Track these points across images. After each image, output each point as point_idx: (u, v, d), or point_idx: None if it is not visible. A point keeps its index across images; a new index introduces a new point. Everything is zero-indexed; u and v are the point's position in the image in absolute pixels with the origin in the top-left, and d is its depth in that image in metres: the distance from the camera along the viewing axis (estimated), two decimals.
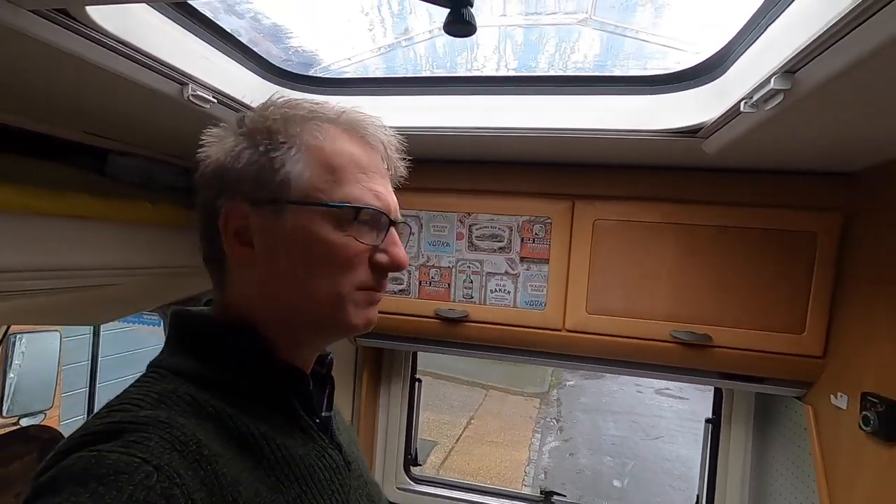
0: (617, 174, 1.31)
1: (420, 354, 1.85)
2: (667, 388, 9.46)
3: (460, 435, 7.14)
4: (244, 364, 0.58)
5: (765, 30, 0.74)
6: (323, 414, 0.66)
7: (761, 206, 1.22)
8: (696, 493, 1.64)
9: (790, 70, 0.64)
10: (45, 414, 2.41)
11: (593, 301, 1.33)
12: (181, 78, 0.81)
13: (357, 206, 0.57)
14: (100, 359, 4.80)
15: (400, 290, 1.46)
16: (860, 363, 1.10)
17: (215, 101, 0.89)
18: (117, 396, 0.55)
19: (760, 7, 0.75)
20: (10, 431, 1.71)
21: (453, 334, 1.46)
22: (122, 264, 1.39)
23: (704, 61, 0.94)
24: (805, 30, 0.60)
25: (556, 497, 1.74)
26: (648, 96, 1.05)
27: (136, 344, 5.47)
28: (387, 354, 1.82)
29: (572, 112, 1.09)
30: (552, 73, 1.12)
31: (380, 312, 1.45)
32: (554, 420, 8.06)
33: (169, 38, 0.79)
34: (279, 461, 0.55)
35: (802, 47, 0.59)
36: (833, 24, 0.55)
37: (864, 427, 1.04)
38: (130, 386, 0.56)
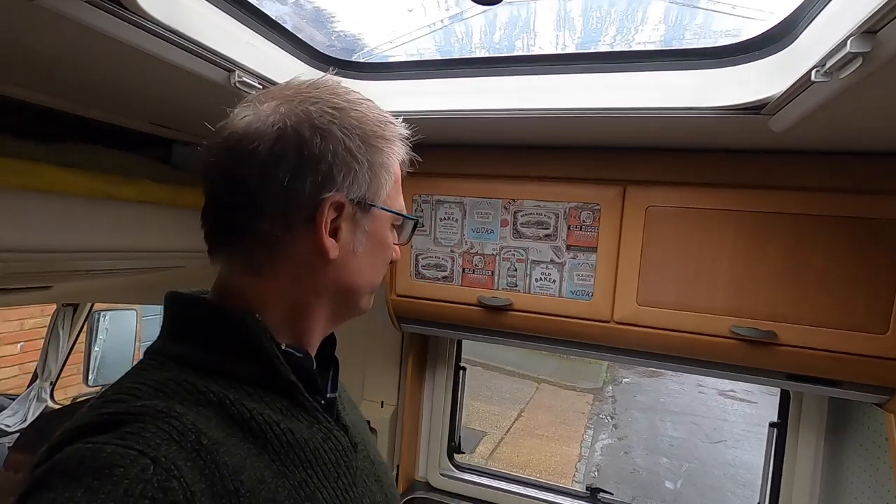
0: (672, 157, 1.23)
1: (469, 344, 1.84)
2: (731, 390, 8.91)
3: (510, 427, 7.09)
4: (245, 348, 0.57)
5: None
6: (328, 395, 0.65)
7: (836, 192, 1.10)
8: (758, 501, 1.53)
9: (870, 30, 0.56)
10: None
11: (644, 292, 1.27)
12: (227, 65, 0.84)
13: (415, 218, 0.73)
14: None
15: (443, 277, 1.46)
16: None
17: (261, 87, 0.91)
18: (113, 385, 0.54)
19: None
20: (86, 399, 1.88)
21: (497, 323, 1.43)
22: (185, 247, 1.48)
23: (771, 28, 0.85)
24: None
25: (602, 494, 1.69)
26: (708, 70, 0.97)
27: None
28: (432, 341, 1.83)
29: (624, 90, 1.03)
30: (611, 48, 1.06)
31: (423, 299, 1.48)
32: (608, 417, 7.82)
33: (215, 25, 0.82)
34: (283, 445, 0.54)
35: (884, 2, 0.51)
36: None
37: None
38: (127, 374, 0.55)
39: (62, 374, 2.67)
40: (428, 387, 1.86)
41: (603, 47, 1.09)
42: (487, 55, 1.14)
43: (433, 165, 1.45)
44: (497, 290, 1.41)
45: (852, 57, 0.60)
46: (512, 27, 1.13)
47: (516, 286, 1.39)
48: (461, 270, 1.44)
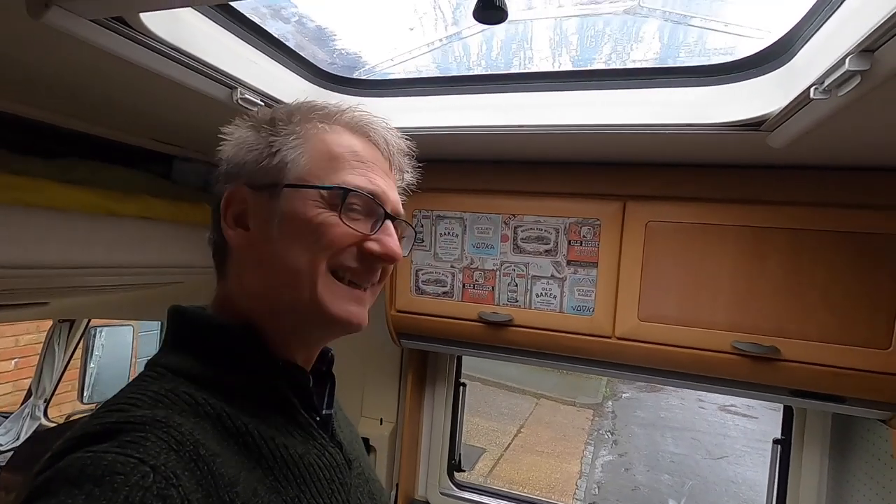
0: (672, 173, 1.23)
1: (468, 359, 1.83)
2: (732, 405, 8.84)
3: (510, 443, 7.01)
4: (242, 362, 0.57)
5: (837, 7, 0.67)
6: (323, 412, 0.65)
7: (836, 206, 1.11)
8: None
9: (868, 49, 0.57)
10: None
11: (646, 307, 1.26)
12: (230, 82, 0.85)
13: (346, 187, 0.59)
14: None
15: (443, 293, 1.45)
16: None
17: (262, 104, 0.92)
18: (114, 396, 0.54)
19: None
20: (83, 416, 1.85)
21: (497, 338, 1.42)
22: (185, 262, 1.48)
23: (769, 47, 0.86)
24: (885, 4, 0.53)
25: None
26: (707, 88, 0.98)
27: None
28: (431, 358, 1.81)
29: (624, 107, 1.04)
30: (607, 66, 1.07)
31: (422, 314, 1.47)
32: (608, 433, 7.74)
33: (218, 43, 0.83)
34: (278, 461, 0.54)
35: (882, 22, 0.52)
36: None
37: None
38: (128, 385, 0.56)
39: (57, 391, 2.64)
40: (428, 403, 1.84)
41: (598, 65, 1.10)
42: (487, 73, 1.15)
43: (433, 181, 1.44)
44: (498, 305, 1.40)
45: (851, 75, 0.60)
46: (509, 45, 1.14)
47: (517, 301, 1.39)
48: (461, 286, 1.43)
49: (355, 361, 1.81)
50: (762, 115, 0.87)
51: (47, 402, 2.56)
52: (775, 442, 1.49)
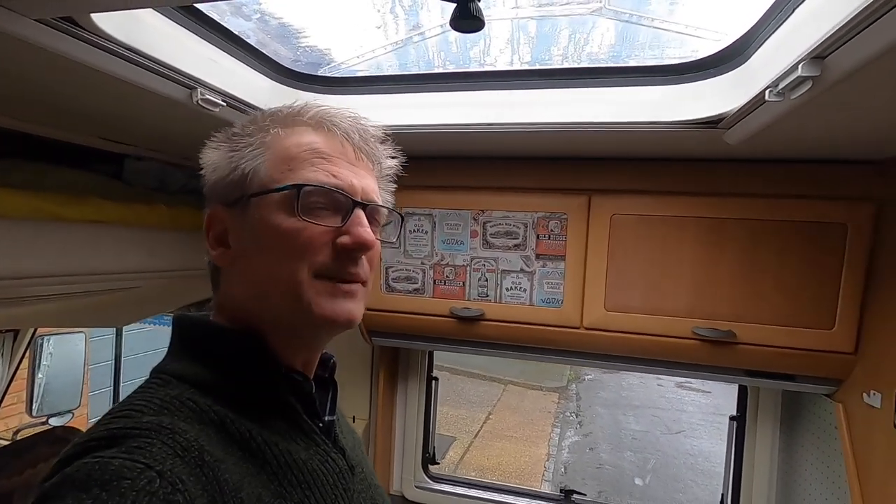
0: (635, 167, 1.27)
1: (436, 351, 1.84)
2: (688, 382, 9.30)
3: (479, 430, 7.13)
4: (245, 369, 0.58)
5: (790, 14, 0.70)
6: (326, 418, 0.66)
7: (787, 198, 1.17)
8: (721, 492, 1.60)
9: (819, 56, 0.60)
10: (73, 413, 2.47)
11: (612, 298, 1.30)
12: (189, 82, 0.81)
13: (299, 184, 0.57)
14: (123, 358, 4.91)
15: (414, 290, 1.45)
16: (895, 360, 1.05)
17: (224, 104, 0.88)
18: (120, 402, 0.55)
19: None
20: (36, 434, 1.75)
21: (469, 333, 1.44)
22: (141, 268, 1.41)
23: (725, 48, 0.90)
24: (834, 13, 0.56)
25: (576, 496, 1.72)
26: (667, 87, 1.02)
27: (157, 343, 5.60)
28: (403, 353, 1.81)
29: (588, 105, 1.06)
30: (567, 65, 1.09)
31: (394, 311, 1.47)
32: (573, 415, 8.00)
33: (176, 42, 0.78)
34: (282, 466, 0.55)
35: (832, 32, 0.55)
36: (865, 7, 0.51)
37: None
38: (134, 392, 0.57)
39: (2, 405, 2.48)
40: (400, 399, 1.84)
41: (560, 64, 1.12)
42: (454, 70, 1.14)
43: (401, 178, 1.44)
44: (469, 300, 1.41)
45: (802, 79, 0.64)
46: (467, 43, 1.13)
47: (487, 296, 1.40)
48: (432, 282, 1.44)
49: None
50: (720, 114, 0.91)
51: None
52: (731, 419, 1.59)
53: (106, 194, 1.23)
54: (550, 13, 0.97)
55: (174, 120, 0.97)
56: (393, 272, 1.47)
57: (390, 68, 1.18)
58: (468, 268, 1.41)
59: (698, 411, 8.08)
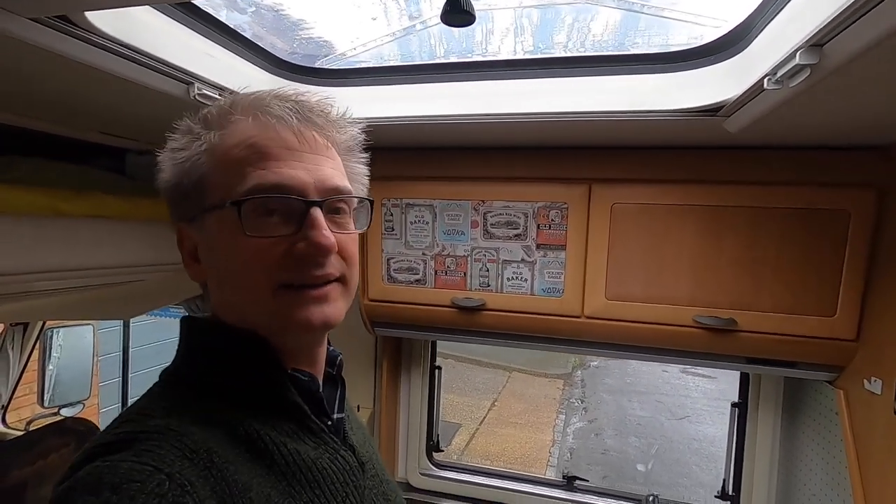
0: (635, 156, 1.27)
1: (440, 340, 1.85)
2: (693, 368, 9.27)
3: (484, 417, 7.19)
4: (252, 371, 0.58)
5: (788, 1, 0.69)
6: (335, 416, 0.65)
7: (788, 185, 1.17)
8: (723, 477, 1.61)
9: (817, 43, 0.60)
10: (84, 404, 2.51)
11: (612, 287, 1.31)
12: (186, 77, 0.81)
13: (237, 200, 0.52)
14: (131, 350, 4.97)
15: (416, 280, 1.46)
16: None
17: (221, 98, 0.88)
18: (129, 406, 0.56)
19: None
20: (47, 425, 1.79)
21: (471, 322, 1.45)
22: (144, 261, 1.42)
23: (724, 36, 0.89)
24: (832, 0, 0.55)
25: (578, 481, 1.74)
26: (667, 74, 1.01)
27: (164, 335, 5.65)
28: (405, 343, 1.83)
29: (588, 94, 1.05)
30: (567, 54, 1.08)
31: (396, 302, 1.48)
32: (578, 401, 8.05)
33: (172, 37, 0.78)
34: (290, 466, 0.55)
35: (830, 19, 0.55)
36: None
37: None
38: (142, 396, 0.57)
39: (14, 396, 2.52)
40: (404, 388, 1.86)
41: (559, 53, 1.11)
42: (452, 61, 1.13)
43: (402, 169, 1.44)
44: (470, 290, 1.42)
45: (801, 68, 0.63)
46: (469, 33, 1.12)
47: (489, 286, 1.41)
48: (434, 273, 1.44)
49: None
50: (720, 102, 0.90)
51: (5, 408, 2.45)
52: (733, 405, 1.59)
53: (108, 189, 1.24)
54: (553, 2, 0.96)
55: (173, 114, 0.97)
56: (394, 263, 1.47)
57: (391, 58, 1.17)
58: (469, 258, 1.41)
59: (703, 397, 8.10)
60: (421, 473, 1.84)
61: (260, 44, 0.98)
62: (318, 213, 0.55)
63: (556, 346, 1.46)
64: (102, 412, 4.51)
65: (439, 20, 0.98)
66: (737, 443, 1.58)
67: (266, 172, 0.53)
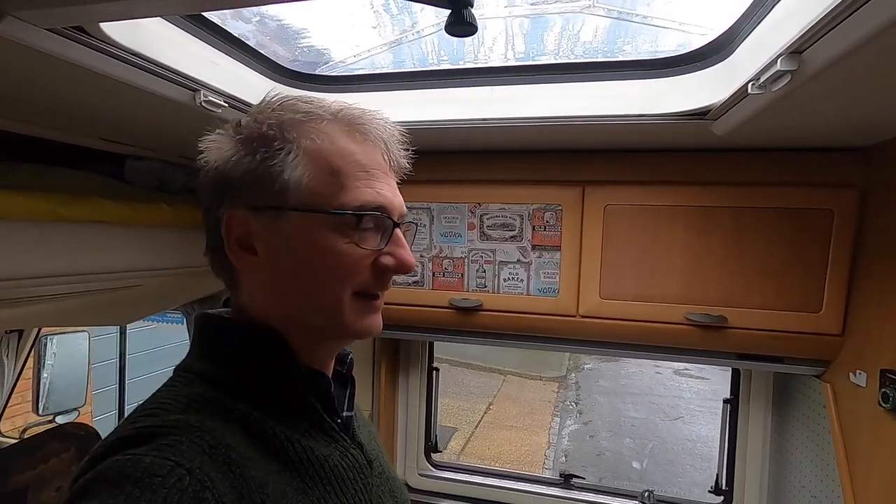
0: (627, 158, 1.30)
1: (437, 342, 1.88)
2: (686, 369, 9.40)
3: (480, 420, 7.21)
4: (267, 368, 0.58)
5: (771, 9, 0.73)
6: (344, 414, 0.67)
7: (775, 185, 1.21)
8: (716, 472, 1.64)
9: (796, 50, 0.63)
10: (79, 411, 2.49)
11: (606, 286, 1.34)
12: (192, 85, 0.83)
13: (359, 213, 0.56)
14: (127, 356, 4.93)
15: (414, 282, 1.49)
16: (879, 340, 1.09)
17: (226, 104, 0.90)
18: (147, 400, 0.56)
19: None
20: (48, 430, 1.78)
21: (468, 323, 1.47)
22: (143, 266, 1.43)
23: (711, 42, 0.93)
24: (811, 9, 0.59)
25: (575, 479, 1.77)
26: (655, 80, 1.05)
27: (160, 341, 5.61)
28: (403, 345, 1.85)
29: (579, 99, 1.09)
30: (558, 60, 1.12)
31: (395, 304, 1.50)
32: (573, 403, 8.08)
33: (179, 46, 0.81)
34: (304, 463, 0.56)
35: (808, 27, 0.58)
36: (838, 3, 0.54)
37: (883, 404, 1.04)
38: (159, 390, 0.58)
39: (8, 404, 2.50)
40: (402, 389, 1.88)
41: (551, 59, 1.14)
42: (449, 67, 1.17)
43: None
44: (467, 291, 1.45)
45: (781, 73, 0.67)
46: (462, 42, 1.15)
47: (486, 287, 1.44)
48: (431, 274, 1.47)
49: None
50: (707, 106, 0.94)
51: None
52: (725, 401, 1.63)
53: (107, 194, 1.25)
54: (543, 11, 0.99)
55: (177, 122, 1.00)
56: None
57: (386, 66, 1.20)
58: (466, 260, 1.44)
59: (696, 398, 8.18)
60: (419, 474, 1.86)
61: (263, 52, 1.01)
62: (400, 233, 0.61)
63: (552, 345, 1.49)
64: (96, 419, 4.47)
65: (433, 29, 1.02)
66: (729, 438, 1.62)
67: (374, 192, 0.58)
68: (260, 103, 0.61)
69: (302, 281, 0.58)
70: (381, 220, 0.59)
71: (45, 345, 2.52)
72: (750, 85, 0.74)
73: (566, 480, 1.77)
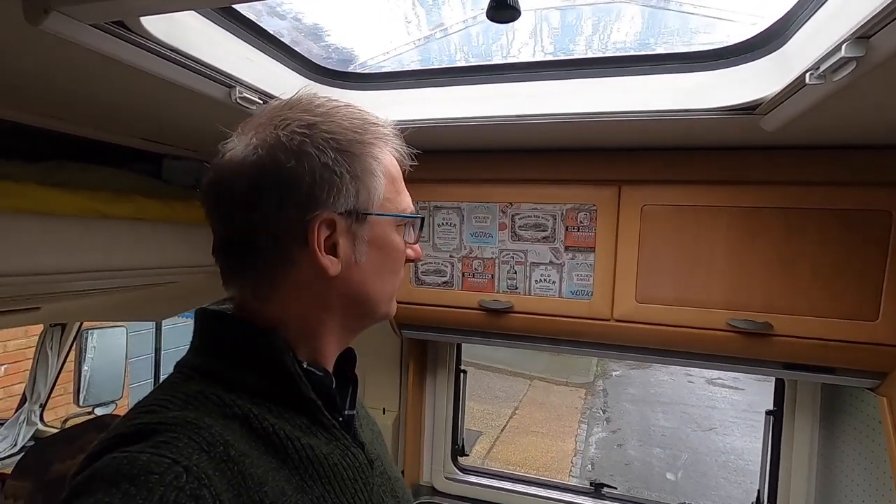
0: (665, 157, 1.25)
1: (463, 345, 1.85)
2: (719, 378, 9.09)
3: (505, 425, 7.13)
4: (267, 366, 0.58)
5: None
6: (346, 412, 0.67)
7: (825, 185, 1.14)
8: (758, 487, 1.56)
9: (864, 35, 0.59)
10: (116, 404, 2.58)
11: (643, 289, 1.29)
12: (228, 81, 0.84)
13: (419, 216, 0.69)
14: (162, 352, 5.09)
15: (443, 283, 1.47)
16: None
17: (261, 102, 0.91)
18: (145, 397, 0.56)
19: None
20: (87, 420, 1.84)
21: (498, 325, 1.45)
22: (179, 263, 1.46)
23: (761, 32, 0.88)
24: None
25: (607, 489, 1.71)
26: (700, 73, 1.00)
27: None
28: (431, 346, 1.83)
29: (619, 94, 1.05)
30: (595, 55, 1.08)
31: (423, 304, 1.48)
32: (600, 410, 7.92)
33: (216, 43, 0.81)
34: (303, 461, 0.55)
35: (878, 10, 0.54)
36: None
37: None
38: (157, 387, 0.58)
39: (51, 395, 2.61)
40: (429, 391, 1.87)
41: (578, 51, 1.11)
42: (481, 63, 1.14)
43: (429, 172, 1.44)
44: (498, 293, 1.42)
45: (846, 61, 0.62)
46: (490, 36, 1.13)
47: (516, 288, 1.41)
48: (461, 275, 1.45)
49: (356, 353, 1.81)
50: (756, 100, 0.89)
51: (42, 406, 2.53)
52: (768, 413, 1.55)
53: (146, 192, 1.28)
54: (575, 2, 0.96)
55: (212, 120, 1.01)
56: (422, 266, 1.48)
57: (413, 64, 1.19)
58: (497, 260, 1.41)
59: (731, 408, 7.89)
60: (446, 477, 1.83)
61: (297, 49, 1.01)
62: None
63: (585, 349, 1.44)
64: None
65: (462, 25, 1.00)
66: (772, 452, 1.54)
67: (409, 198, 0.68)
68: (294, 105, 0.62)
69: (378, 278, 0.64)
70: (415, 222, 0.69)
71: (86, 339, 2.62)
72: (808, 75, 0.69)
73: (597, 490, 1.72)
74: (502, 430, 6.95)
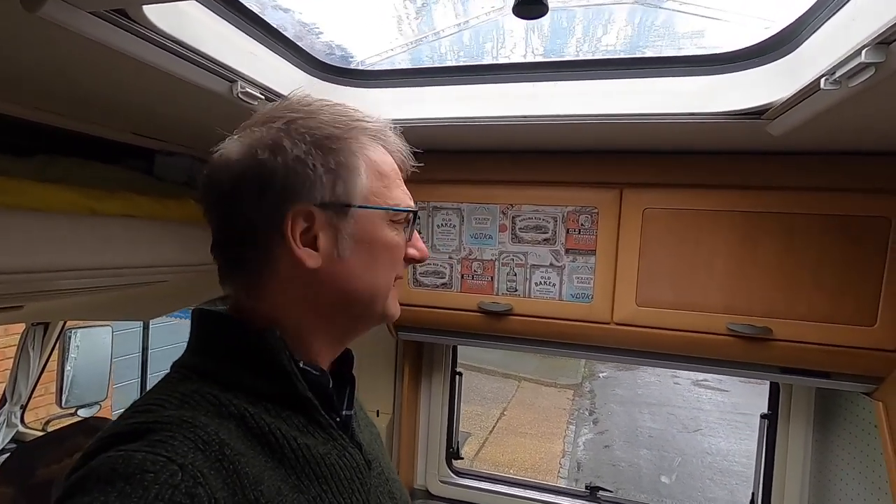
0: (668, 160, 1.25)
1: (459, 346, 1.84)
2: (705, 380, 9.19)
3: (494, 426, 7.13)
4: (263, 365, 0.58)
5: (848, 1, 0.68)
6: (343, 412, 0.66)
7: (826, 191, 1.14)
8: (752, 490, 1.57)
9: (884, 41, 0.58)
10: (100, 405, 2.51)
11: (643, 293, 1.29)
12: (230, 75, 0.81)
13: (411, 209, 0.65)
14: (149, 351, 4.99)
15: (442, 284, 1.45)
16: None
17: (262, 97, 0.88)
18: (142, 396, 0.56)
19: None
20: (75, 423, 1.79)
21: (496, 328, 1.43)
22: (171, 261, 1.43)
23: (773, 36, 0.88)
24: None
25: (602, 492, 1.71)
26: (707, 77, 0.99)
27: (182, 336, 5.67)
28: (427, 348, 1.81)
29: (626, 97, 1.04)
30: (603, 56, 1.07)
31: (422, 306, 1.46)
32: (588, 412, 7.96)
33: (219, 35, 0.79)
34: (300, 461, 0.55)
35: None
36: None
37: None
38: (154, 386, 0.58)
39: (32, 396, 2.53)
40: (424, 393, 1.85)
41: (569, 53, 1.10)
42: (485, 63, 1.13)
43: (430, 172, 1.41)
44: (497, 295, 1.41)
45: (864, 66, 0.62)
46: (486, 35, 1.12)
47: (516, 291, 1.39)
48: (460, 277, 1.43)
49: None
50: (765, 104, 0.89)
51: (23, 407, 2.46)
52: (762, 417, 1.56)
53: (138, 189, 1.25)
54: (589, 2, 0.95)
55: (210, 114, 0.98)
56: (421, 267, 1.46)
57: (404, 65, 1.16)
58: (497, 262, 1.40)
59: (716, 409, 7.99)
60: (440, 480, 1.82)
61: (300, 44, 0.98)
62: None
63: (583, 352, 1.44)
64: (116, 413, 4.52)
65: (455, 29, 0.98)
66: (766, 456, 1.55)
67: (405, 194, 0.66)
68: (292, 103, 0.63)
69: (363, 272, 0.62)
70: (410, 217, 0.67)
71: (70, 338, 2.55)
72: (823, 80, 0.69)
73: (592, 493, 1.71)
74: (491, 432, 6.95)
